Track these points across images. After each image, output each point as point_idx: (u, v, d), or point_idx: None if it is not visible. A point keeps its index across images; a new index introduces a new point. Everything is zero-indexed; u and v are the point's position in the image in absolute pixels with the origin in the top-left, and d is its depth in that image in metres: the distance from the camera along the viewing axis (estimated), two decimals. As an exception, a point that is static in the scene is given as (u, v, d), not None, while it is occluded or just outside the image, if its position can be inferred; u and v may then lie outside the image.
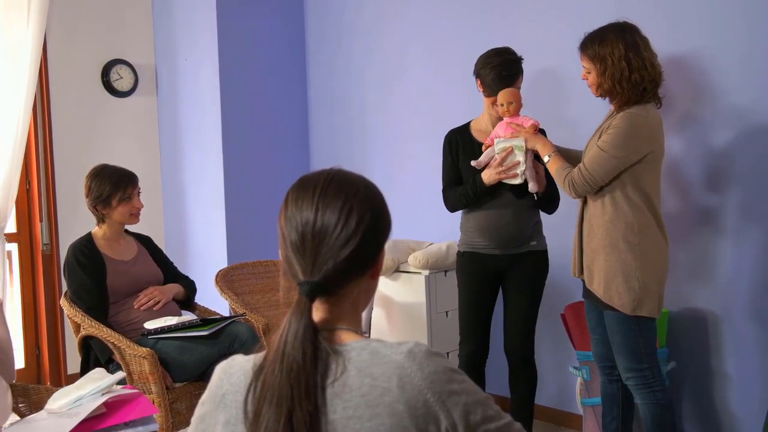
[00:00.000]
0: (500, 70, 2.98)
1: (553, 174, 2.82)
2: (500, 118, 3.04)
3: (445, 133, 3.21)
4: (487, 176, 2.97)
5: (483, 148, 3.03)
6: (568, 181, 2.72)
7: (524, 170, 2.91)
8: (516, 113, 2.98)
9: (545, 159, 2.85)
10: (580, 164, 2.71)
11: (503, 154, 2.92)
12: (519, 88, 3.03)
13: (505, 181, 2.95)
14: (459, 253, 3.21)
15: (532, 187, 2.93)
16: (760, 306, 3.09)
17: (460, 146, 3.14)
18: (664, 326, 3.22)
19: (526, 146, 2.91)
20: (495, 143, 2.93)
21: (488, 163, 2.99)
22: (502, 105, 2.97)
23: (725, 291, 3.19)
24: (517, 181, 2.94)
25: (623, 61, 2.60)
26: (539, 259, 3.11)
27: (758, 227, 3.08)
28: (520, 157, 2.91)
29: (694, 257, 3.27)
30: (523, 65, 3.07)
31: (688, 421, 3.35)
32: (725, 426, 3.24)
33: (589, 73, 2.72)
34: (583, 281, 2.83)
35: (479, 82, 3.07)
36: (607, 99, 2.76)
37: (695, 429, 3.33)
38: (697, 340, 3.29)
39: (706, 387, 3.28)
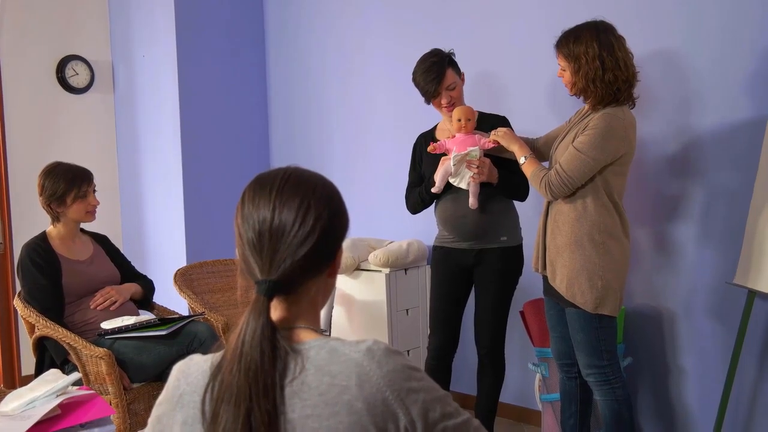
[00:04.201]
0: (425, 76, 3.03)
1: (528, 175, 2.83)
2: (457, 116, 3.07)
3: (404, 132, 3.25)
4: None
5: (431, 149, 3.04)
6: (545, 183, 2.71)
7: (468, 179, 2.97)
8: (471, 130, 3.02)
9: (521, 160, 2.85)
10: (557, 165, 2.70)
11: (458, 166, 2.96)
12: (454, 83, 3.05)
13: (452, 182, 3.00)
14: (432, 248, 3.27)
15: (472, 203, 2.98)
16: (719, 303, 3.15)
17: (423, 151, 3.19)
18: (620, 322, 3.27)
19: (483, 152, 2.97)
20: (452, 156, 2.96)
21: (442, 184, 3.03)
22: (459, 120, 3.01)
23: (685, 288, 3.25)
24: (462, 185, 2.98)
25: (597, 60, 2.60)
26: (509, 255, 3.12)
27: (720, 224, 3.14)
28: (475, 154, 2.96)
29: (654, 255, 3.33)
30: (481, 63, 3.08)
31: (644, 416, 3.41)
32: (681, 420, 3.30)
33: (564, 71, 2.73)
34: (545, 278, 2.86)
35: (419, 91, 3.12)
36: (581, 98, 2.77)
37: (651, 423, 3.39)
38: (654, 336, 3.35)
39: (662, 382, 3.34)
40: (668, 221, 3.27)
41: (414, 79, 3.09)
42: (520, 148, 2.88)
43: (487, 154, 3.00)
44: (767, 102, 2.90)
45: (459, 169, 2.96)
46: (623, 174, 2.73)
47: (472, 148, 2.95)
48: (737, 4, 3.02)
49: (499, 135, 2.94)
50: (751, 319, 2.91)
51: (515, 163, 2.95)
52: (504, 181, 3.03)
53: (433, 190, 3.04)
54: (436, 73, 3.01)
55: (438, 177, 3.01)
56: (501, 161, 3.03)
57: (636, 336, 3.39)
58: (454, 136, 3.02)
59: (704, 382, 3.22)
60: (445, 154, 3.03)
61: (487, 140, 2.97)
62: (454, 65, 3.08)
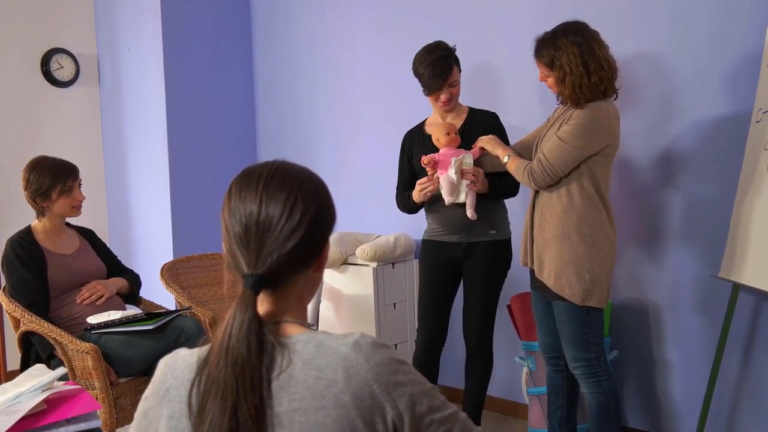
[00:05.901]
0: (432, 68, 3.00)
1: (512, 171, 2.85)
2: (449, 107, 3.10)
3: (392, 127, 3.24)
4: (417, 196, 3.07)
5: (424, 162, 3.02)
6: (528, 172, 2.74)
7: (466, 192, 2.96)
8: (458, 143, 3.03)
9: (504, 159, 2.89)
10: (539, 155, 2.72)
11: (459, 173, 2.95)
12: (456, 80, 3.06)
13: (451, 200, 2.97)
14: (421, 241, 3.27)
15: (470, 214, 2.97)
16: (704, 296, 3.17)
17: (414, 146, 3.19)
18: (607, 316, 3.28)
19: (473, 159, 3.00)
20: (452, 162, 2.95)
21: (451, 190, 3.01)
22: (448, 134, 3.01)
23: (670, 282, 3.27)
24: (460, 199, 2.98)
25: (581, 67, 2.60)
26: (498, 249, 3.14)
27: (705, 218, 3.15)
28: (468, 159, 2.98)
29: (640, 248, 3.34)
30: (471, 57, 3.08)
31: (630, 409, 3.43)
32: (666, 412, 3.33)
33: (548, 77, 2.73)
34: (532, 272, 2.87)
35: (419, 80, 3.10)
36: (568, 103, 2.76)
37: (637, 416, 3.41)
38: (640, 330, 3.37)
39: (648, 375, 3.36)
40: (653, 215, 3.29)
41: (416, 70, 3.06)
42: (504, 150, 2.93)
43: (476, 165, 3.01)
44: (752, 98, 2.91)
45: (458, 177, 2.96)
46: (608, 165, 2.75)
47: (465, 154, 2.96)
48: (724, 7, 3.03)
49: (484, 140, 2.99)
50: (735, 312, 2.93)
51: (500, 174, 2.99)
52: (495, 187, 3.06)
53: (447, 203, 2.97)
54: (442, 69, 2.99)
55: (445, 192, 2.96)
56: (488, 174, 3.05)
57: (622, 329, 3.41)
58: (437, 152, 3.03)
59: (689, 375, 3.24)
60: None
61: (474, 148, 3.00)
62: (457, 61, 3.08)
